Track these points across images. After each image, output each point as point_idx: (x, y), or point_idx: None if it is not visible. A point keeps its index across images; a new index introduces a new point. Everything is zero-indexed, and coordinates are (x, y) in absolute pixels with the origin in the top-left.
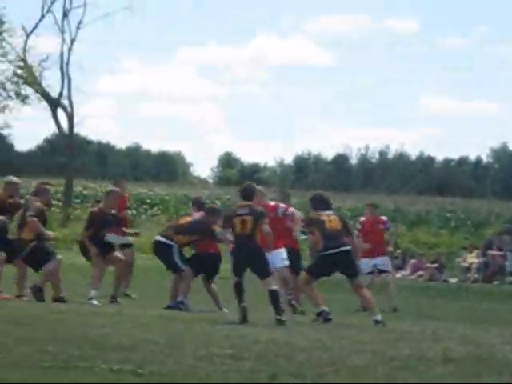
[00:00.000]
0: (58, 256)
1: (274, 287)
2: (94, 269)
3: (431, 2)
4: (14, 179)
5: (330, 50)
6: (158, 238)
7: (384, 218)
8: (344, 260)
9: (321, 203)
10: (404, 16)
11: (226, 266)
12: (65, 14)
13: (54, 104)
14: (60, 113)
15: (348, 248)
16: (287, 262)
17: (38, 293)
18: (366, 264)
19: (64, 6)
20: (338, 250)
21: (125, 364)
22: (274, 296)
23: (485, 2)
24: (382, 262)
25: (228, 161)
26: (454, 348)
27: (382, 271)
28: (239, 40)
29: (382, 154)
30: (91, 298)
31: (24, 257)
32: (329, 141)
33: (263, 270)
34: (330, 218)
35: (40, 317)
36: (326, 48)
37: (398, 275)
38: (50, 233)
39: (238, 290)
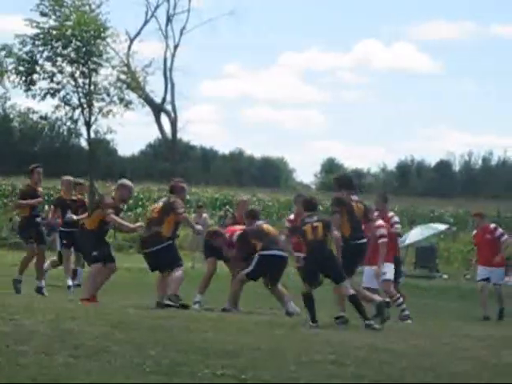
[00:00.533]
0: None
1: (351, 291)
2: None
3: None
4: (127, 182)
5: (434, 56)
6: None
7: (492, 225)
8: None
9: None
10: (510, 22)
11: None
12: (168, 20)
13: (157, 109)
14: (163, 118)
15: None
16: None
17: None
18: (481, 271)
19: (168, 12)
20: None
21: (228, 369)
22: (354, 301)
23: None
24: (496, 274)
25: (331, 166)
26: None
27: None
28: (342, 46)
29: (485, 160)
30: (196, 303)
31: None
32: (432, 147)
33: (338, 275)
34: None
35: (141, 321)
36: (429, 54)
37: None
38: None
39: (309, 301)
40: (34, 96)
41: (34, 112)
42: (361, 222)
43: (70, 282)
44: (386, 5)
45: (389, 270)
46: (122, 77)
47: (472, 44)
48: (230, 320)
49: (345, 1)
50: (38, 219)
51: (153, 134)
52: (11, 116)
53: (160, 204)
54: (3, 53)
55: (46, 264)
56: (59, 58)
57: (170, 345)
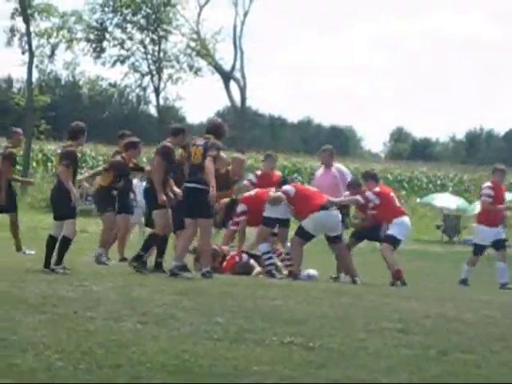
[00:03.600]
0: None
1: None
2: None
3: None
4: (242, 156)
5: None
6: None
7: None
8: None
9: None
10: None
11: None
12: None
13: (226, 77)
14: (232, 85)
15: None
16: None
17: None
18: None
19: None
20: None
21: (295, 337)
22: None
23: None
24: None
25: (399, 135)
26: None
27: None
28: (414, 14)
29: None
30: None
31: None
32: (501, 116)
33: None
34: None
35: (208, 288)
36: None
37: None
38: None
39: None
40: (103, 63)
41: (103, 79)
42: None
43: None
44: None
45: None
46: (192, 44)
47: None
48: (297, 287)
49: None
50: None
51: (222, 102)
52: (80, 83)
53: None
54: (73, 19)
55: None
56: (129, 25)
57: (237, 312)
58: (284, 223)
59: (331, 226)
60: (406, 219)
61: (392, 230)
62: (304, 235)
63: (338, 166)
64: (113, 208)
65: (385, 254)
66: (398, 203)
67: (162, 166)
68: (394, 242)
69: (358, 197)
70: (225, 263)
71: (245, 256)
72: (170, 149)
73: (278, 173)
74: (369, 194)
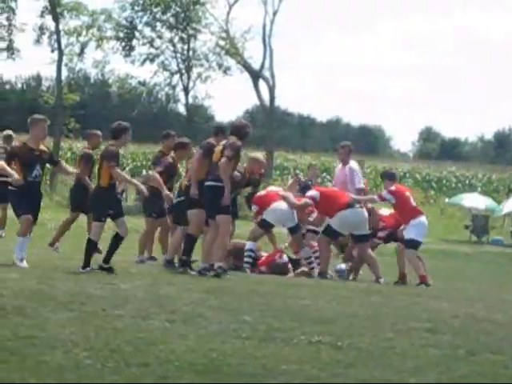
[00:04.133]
0: None
1: None
2: None
3: None
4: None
5: None
6: None
7: None
8: None
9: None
10: None
11: None
12: None
13: (255, 76)
14: (261, 84)
15: None
16: None
17: None
18: None
19: None
20: None
21: (324, 336)
22: None
23: None
24: None
25: (428, 135)
26: None
27: None
28: (442, 13)
29: None
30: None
31: None
32: None
33: None
34: None
35: (235, 286)
36: None
37: None
38: None
39: None
40: (132, 61)
41: (132, 77)
42: None
43: None
44: None
45: None
46: (221, 43)
47: None
48: (326, 287)
49: None
50: None
51: (250, 101)
52: (110, 81)
53: None
54: (103, 17)
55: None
56: (158, 24)
57: (265, 311)
58: (293, 229)
59: (357, 224)
60: (423, 219)
61: (411, 233)
62: (331, 233)
63: (351, 163)
64: (158, 212)
65: (410, 259)
66: (414, 203)
67: (202, 162)
68: (415, 245)
69: (375, 196)
70: (263, 258)
71: (285, 257)
72: (213, 146)
73: None
74: (384, 193)
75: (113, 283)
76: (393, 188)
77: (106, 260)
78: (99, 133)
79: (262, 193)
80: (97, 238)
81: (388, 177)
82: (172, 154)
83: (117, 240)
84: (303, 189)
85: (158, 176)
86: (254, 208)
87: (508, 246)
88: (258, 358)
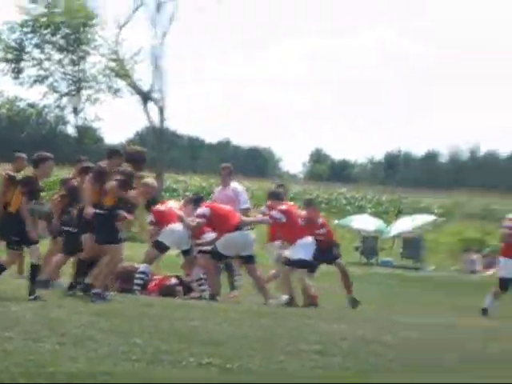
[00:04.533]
0: None
1: None
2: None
3: None
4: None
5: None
6: None
7: None
8: None
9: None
10: None
11: None
12: (158, 7)
13: (145, 97)
14: (151, 106)
15: None
16: None
17: None
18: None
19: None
20: None
21: (214, 358)
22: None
23: None
24: None
25: (318, 156)
26: None
27: None
28: (347, 30)
29: (473, 151)
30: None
31: None
32: (420, 138)
33: None
34: None
35: (125, 309)
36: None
37: (488, 273)
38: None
39: None
40: (21, 83)
41: (21, 99)
42: None
43: None
44: None
45: None
46: (111, 64)
47: None
48: (217, 309)
49: None
50: None
51: (141, 123)
52: None
53: None
54: None
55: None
56: (48, 45)
57: (154, 333)
58: (187, 252)
59: (245, 246)
60: (310, 239)
61: (299, 253)
62: (216, 255)
63: (234, 185)
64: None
65: (299, 280)
66: (301, 223)
67: (93, 186)
68: (304, 265)
69: (267, 217)
70: (153, 283)
71: (174, 279)
72: (104, 169)
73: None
74: (274, 212)
75: (3, 305)
76: (283, 207)
77: (31, 292)
78: (24, 155)
79: (161, 207)
80: (8, 266)
81: (274, 196)
82: (78, 178)
83: (32, 270)
84: (195, 202)
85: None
86: (150, 218)
87: (397, 267)
88: (147, 380)
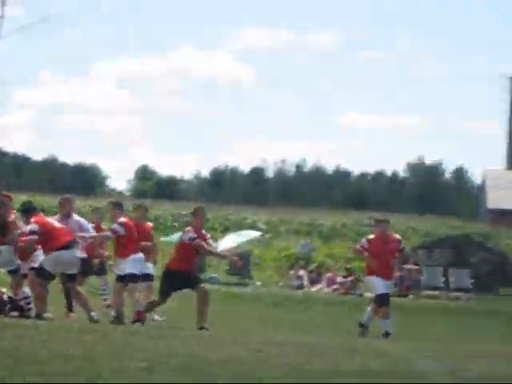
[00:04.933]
0: None
1: None
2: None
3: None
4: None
5: (250, 64)
6: None
7: (397, 236)
8: None
9: None
10: (325, 30)
11: None
12: None
13: None
14: None
15: None
16: None
17: None
18: (383, 284)
19: None
20: None
21: (38, 377)
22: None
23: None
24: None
25: (144, 173)
26: (370, 361)
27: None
28: (158, 52)
29: (299, 167)
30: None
31: None
32: (246, 154)
33: None
34: None
35: None
36: (245, 62)
37: (314, 289)
38: None
39: None
40: None
41: None
42: None
43: None
44: (206, 11)
45: None
46: None
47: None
48: (44, 327)
49: (160, 9)
50: None
51: None
52: None
53: None
54: None
55: None
56: None
57: None
58: (14, 271)
59: (70, 265)
60: (141, 255)
61: (132, 267)
62: (44, 274)
63: (77, 219)
64: None
65: (132, 294)
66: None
67: None
68: (135, 279)
69: (109, 232)
70: None
71: (5, 296)
72: None
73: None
74: (115, 226)
75: None
76: (123, 220)
77: None
78: None
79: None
80: None
81: (116, 206)
82: None
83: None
84: (24, 212)
85: None
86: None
87: (224, 284)
88: None
